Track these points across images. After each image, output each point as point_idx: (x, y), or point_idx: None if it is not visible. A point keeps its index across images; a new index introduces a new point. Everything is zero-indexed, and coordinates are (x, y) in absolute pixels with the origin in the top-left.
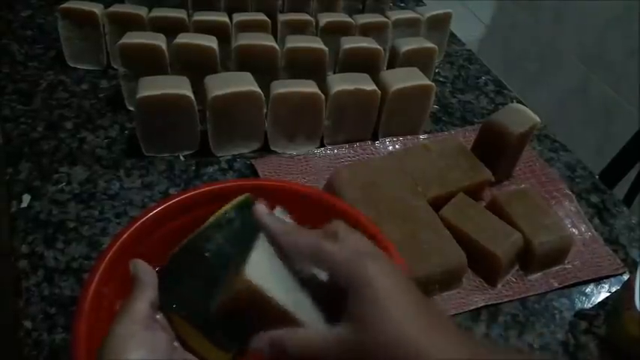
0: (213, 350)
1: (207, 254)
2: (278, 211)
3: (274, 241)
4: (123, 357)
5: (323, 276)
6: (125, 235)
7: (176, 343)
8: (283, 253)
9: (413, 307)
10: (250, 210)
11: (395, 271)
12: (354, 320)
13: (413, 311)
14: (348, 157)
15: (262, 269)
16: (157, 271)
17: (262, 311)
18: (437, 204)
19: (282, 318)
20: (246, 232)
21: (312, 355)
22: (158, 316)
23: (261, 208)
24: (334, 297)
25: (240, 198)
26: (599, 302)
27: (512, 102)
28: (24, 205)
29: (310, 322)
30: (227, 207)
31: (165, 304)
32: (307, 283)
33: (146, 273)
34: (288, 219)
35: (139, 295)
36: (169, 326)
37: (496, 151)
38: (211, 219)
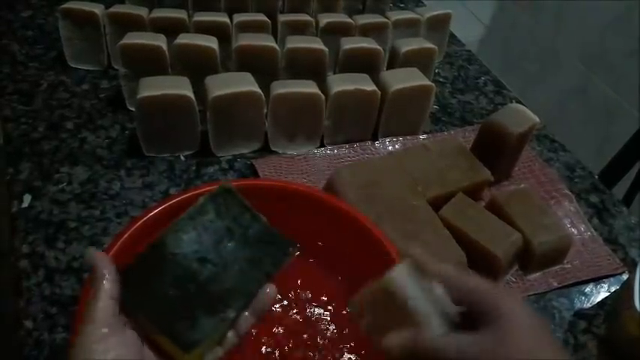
0: (177, 351)
1: (176, 251)
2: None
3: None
4: (95, 357)
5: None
6: (126, 235)
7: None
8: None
9: (540, 339)
10: (225, 199)
11: (525, 307)
12: (489, 334)
13: (540, 341)
14: (348, 157)
15: (405, 277)
16: (125, 270)
17: (393, 311)
18: (437, 204)
19: (407, 320)
20: (219, 223)
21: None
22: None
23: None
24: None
25: (215, 189)
26: (598, 302)
27: (511, 102)
28: (25, 205)
29: (434, 327)
30: (201, 199)
31: (129, 304)
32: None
33: (103, 262)
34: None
35: (100, 291)
36: (135, 324)
37: (495, 151)
38: (184, 214)
